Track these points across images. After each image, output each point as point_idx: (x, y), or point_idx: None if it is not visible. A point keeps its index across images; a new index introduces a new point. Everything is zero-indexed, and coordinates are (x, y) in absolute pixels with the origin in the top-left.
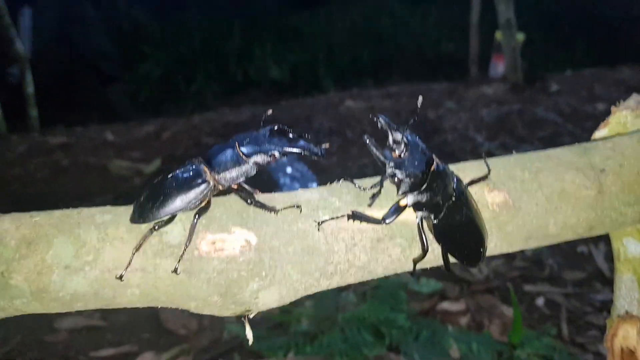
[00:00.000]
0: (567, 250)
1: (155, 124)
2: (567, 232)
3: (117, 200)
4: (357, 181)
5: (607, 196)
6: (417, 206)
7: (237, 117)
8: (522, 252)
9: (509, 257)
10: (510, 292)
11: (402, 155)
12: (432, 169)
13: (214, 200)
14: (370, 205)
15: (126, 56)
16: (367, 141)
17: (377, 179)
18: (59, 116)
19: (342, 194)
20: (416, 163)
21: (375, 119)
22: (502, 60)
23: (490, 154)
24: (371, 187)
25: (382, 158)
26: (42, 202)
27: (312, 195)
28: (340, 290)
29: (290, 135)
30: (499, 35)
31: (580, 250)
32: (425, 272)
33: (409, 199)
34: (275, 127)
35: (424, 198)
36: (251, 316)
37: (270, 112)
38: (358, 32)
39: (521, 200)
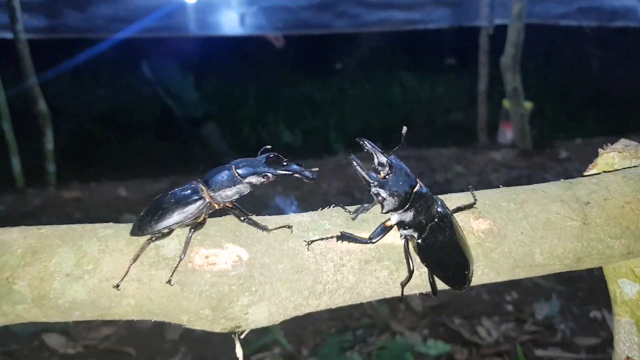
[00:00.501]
0: (579, 315)
1: (168, 181)
2: (554, 262)
3: None
4: (348, 207)
5: (592, 228)
6: (401, 225)
7: None
8: (532, 315)
9: (519, 321)
10: (519, 356)
11: (387, 176)
12: (415, 190)
13: (209, 220)
14: (354, 218)
15: (146, 117)
16: (353, 161)
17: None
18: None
19: (333, 218)
20: (400, 183)
21: (361, 143)
22: (511, 128)
23: None
24: (360, 211)
25: (367, 178)
26: None
27: (303, 218)
28: (343, 349)
29: (284, 162)
30: (506, 103)
31: (593, 315)
32: (432, 333)
33: (393, 218)
34: (271, 155)
35: (407, 217)
36: (242, 336)
37: (269, 147)
38: (368, 101)
39: (506, 228)
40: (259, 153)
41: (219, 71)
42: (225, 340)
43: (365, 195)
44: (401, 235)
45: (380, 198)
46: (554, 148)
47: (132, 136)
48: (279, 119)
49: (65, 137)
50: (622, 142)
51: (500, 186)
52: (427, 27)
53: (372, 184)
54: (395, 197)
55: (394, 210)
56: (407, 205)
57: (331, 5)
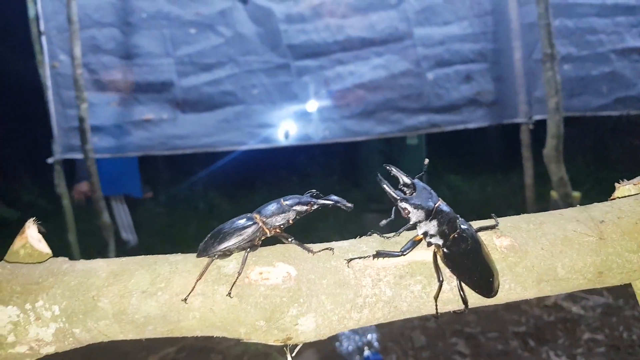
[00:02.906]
0: None
1: None
2: (576, 276)
3: (181, 352)
4: (384, 234)
5: (609, 242)
6: (426, 235)
7: None
8: None
9: None
10: None
11: (411, 194)
12: (437, 205)
13: (261, 247)
14: (381, 225)
15: (199, 230)
16: (382, 182)
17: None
18: None
19: (369, 242)
20: (423, 199)
21: (388, 168)
22: None
23: (558, 305)
24: (393, 236)
25: (394, 195)
26: (112, 354)
27: (343, 243)
28: None
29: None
30: (554, 194)
31: None
32: None
33: (420, 230)
34: (314, 192)
35: (431, 227)
36: (294, 353)
37: (314, 190)
38: None
39: (527, 245)
40: (305, 194)
41: (270, 186)
42: None
43: (393, 210)
44: (428, 244)
45: (406, 211)
46: None
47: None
48: (327, 225)
49: (127, 248)
50: (638, 178)
51: None
52: (468, 127)
53: (398, 200)
54: (419, 210)
55: (419, 222)
56: (430, 216)
57: (372, 112)
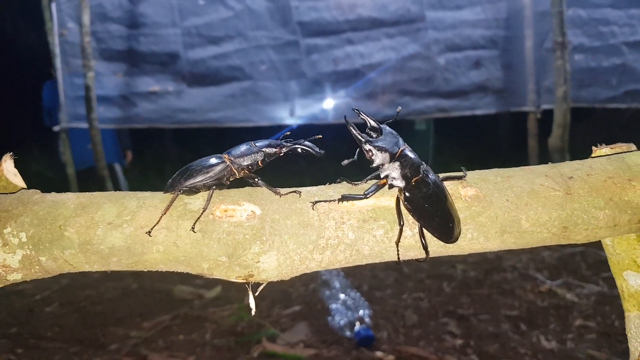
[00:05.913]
0: None
1: None
2: (540, 229)
3: (176, 319)
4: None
5: (575, 198)
6: (389, 177)
7: None
8: None
9: None
10: None
11: (377, 137)
12: (402, 150)
13: (230, 189)
14: (343, 164)
15: None
16: (348, 124)
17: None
18: None
19: (337, 188)
20: (387, 142)
21: (356, 111)
22: None
23: (552, 292)
24: (361, 183)
25: (359, 136)
26: (107, 318)
27: (312, 188)
28: None
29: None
30: None
31: None
32: None
33: (382, 173)
34: (288, 134)
35: (394, 170)
36: (257, 291)
37: (288, 133)
38: None
39: (492, 195)
40: (280, 137)
41: None
42: None
43: (357, 152)
44: (390, 187)
45: (370, 153)
46: None
47: None
48: None
49: None
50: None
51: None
52: (475, 113)
53: (362, 141)
54: (383, 152)
55: (382, 165)
56: (394, 159)
57: (379, 94)
